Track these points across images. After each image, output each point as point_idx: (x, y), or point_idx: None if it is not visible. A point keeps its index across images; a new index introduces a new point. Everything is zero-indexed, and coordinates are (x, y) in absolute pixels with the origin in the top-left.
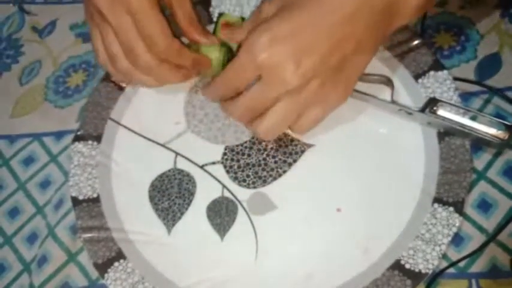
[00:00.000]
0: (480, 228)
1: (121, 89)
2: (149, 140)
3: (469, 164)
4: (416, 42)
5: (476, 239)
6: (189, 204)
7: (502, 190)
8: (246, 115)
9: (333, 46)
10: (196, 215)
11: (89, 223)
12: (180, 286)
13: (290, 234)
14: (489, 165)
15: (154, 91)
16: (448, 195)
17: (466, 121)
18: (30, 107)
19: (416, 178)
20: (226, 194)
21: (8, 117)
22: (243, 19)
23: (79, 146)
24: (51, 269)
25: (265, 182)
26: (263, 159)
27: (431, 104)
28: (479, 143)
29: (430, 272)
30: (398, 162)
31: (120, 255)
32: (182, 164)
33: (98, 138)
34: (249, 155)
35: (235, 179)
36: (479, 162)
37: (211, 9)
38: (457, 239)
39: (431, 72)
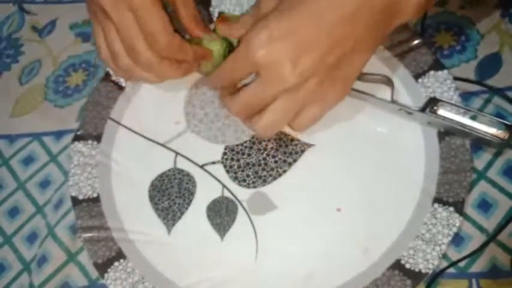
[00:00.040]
0: (480, 228)
1: (121, 88)
2: (149, 139)
3: (469, 164)
4: (416, 41)
5: (477, 239)
6: (189, 204)
7: (502, 190)
8: (245, 111)
9: (332, 45)
10: (196, 214)
11: (88, 223)
12: (180, 286)
13: (290, 234)
14: (489, 165)
15: (155, 90)
16: (448, 195)
17: (466, 121)
18: (30, 106)
19: (416, 178)
20: (226, 193)
21: (7, 117)
22: None
23: (79, 145)
24: (51, 269)
25: (265, 182)
26: (263, 158)
27: (432, 103)
28: (479, 142)
29: (430, 271)
30: (398, 162)
31: (120, 255)
32: (182, 164)
33: (97, 138)
34: (249, 155)
35: (235, 178)
36: (480, 162)
37: (211, 8)
38: (457, 239)
39: (432, 72)
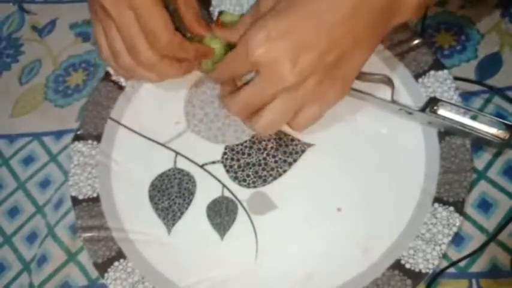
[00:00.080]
0: (480, 228)
1: (121, 88)
2: (149, 139)
3: (469, 164)
4: (416, 41)
5: (477, 239)
6: (189, 204)
7: (502, 190)
8: (244, 110)
9: (331, 44)
10: (196, 214)
11: (88, 223)
12: (180, 286)
13: (290, 234)
14: (489, 164)
15: (155, 90)
16: (448, 195)
17: (466, 121)
18: (30, 106)
19: (416, 178)
20: (226, 193)
21: (7, 117)
22: None
23: (79, 145)
24: (51, 269)
25: (265, 182)
26: (263, 158)
27: (432, 103)
28: (479, 142)
29: (431, 271)
30: (398, 162)
31: (120, 255)
32: (182, 164)
33: (97, 138)
34: (249, 155)
35: (235, 178)
36: (480, 162)
37: (211, 8)
38: (458, 239)
39: (432, 72)
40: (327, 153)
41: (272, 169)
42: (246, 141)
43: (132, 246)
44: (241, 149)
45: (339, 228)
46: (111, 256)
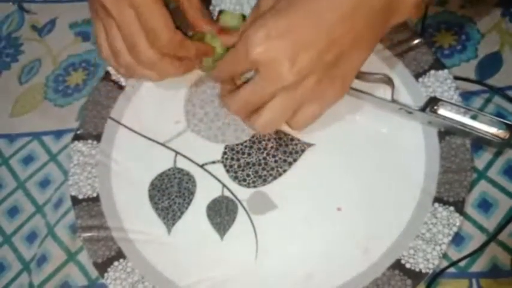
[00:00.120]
0: (481, 228)
1: (121, 88)
2: (149, 139)
3: (469, 164)
4: (416, 41)
5: (477, 239)
6: (189, 204)
7: (502, 189)
8: (243, 109)
9: (330, 43)
10: (196, 214)
11: (88, 222)
12: (180, 285)
13: (290, 234)
14: (490, 164)
15: (155, 90)
16: (448, 195)
17: (466, 120)
18: (29, 105)
19: (416, 177)
20: (226, 193)
21: (7, 116)
22: (243, 16)
23: (79, 145)
24: (51, 269)
25: (265, 181)
26: (263, 158)
27: (432, 103)
28: (479, 142)
29: (431, 271)
30: (398, 162)
31: (119, 255)
32: (182, 163)
33: (97, 137)
34: (249, 154)
35: (235, 178)
36: (480, 162)
37: (211, 7)
38: (458, 239)
39: (432, 72)
40: (327, 152)
41: (272, 169)
42: (246, 141)
43: (132, 246)
44: (241, 149)
45: (339, 228)
46: (111, 256)
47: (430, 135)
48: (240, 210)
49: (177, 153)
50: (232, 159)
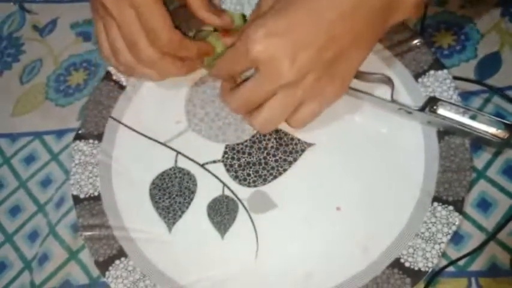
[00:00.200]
0: (480, 227)
1: (122, 87)
2: (150, 138)
3: (468, 163)
4: (416, 41)
5: (476, 238)
6: (189, 203)
7: (501, 189)
8: (244, 107)
9: (330, 41)
10: (196, 213)
11: (90, 221)
12: (181, 284)
13: (290, 233)
14: (489, 164)
15: (156, 89)
16: (447, 194)
17: (466, 120)
18: (31, 105)
19: (416, 177)
20: (227, 192)
21: (9, 116)
22: (244, 16)
23: (80, 144)
24: (52, 267)
25: (265, 181)
26: (263, 157)
27: (431, 103)
28: (479, 142)
29: (430, 270)
30: (398, 161)
31: (121, 253)
32: (183, 163)
33: (98, 137)
34: (249, 154)
35: (235, 177)
36: (479, 161)
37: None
38: (457, 238)
39: (431, 72)
40: (327, 152)
41: (272, 168)
42: (246, 141)
43: (133, 245)
44: (241, 148)
45: (339, 227)
46: (112, 254)
47: (429, 135)
48: (241, 209)
49: (177, 152)
50: (232, 158)
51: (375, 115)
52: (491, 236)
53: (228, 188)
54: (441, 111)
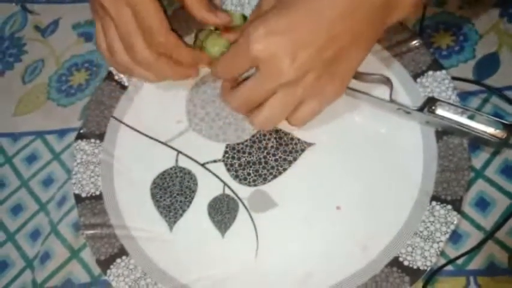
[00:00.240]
0: (478, 226)
1: (123, 87)
2: (151, 138)
3: (467, 163)
4: (415, 42)
5: (474, 237)
6: (190, 202)
7: (500, 189)
8: (244, 106)
9: (330, 40)
10: (197, 212)
11: (91, 220)
12: (182, 282)
13: (290, 232)
14: (487, 163)
15: (157, 89)
16: (446, 194)
17: (464, 120)
18: (33, 105)
19: (414, 176)
20: (227, 191)
21: (10, 116)
22: (244, 16)
23: (82, 144)
24: (54, 266)
25: (265, 180)
26: (263, 157)
27: (430, 103)
28: (477, 141)
29: (428, 268)
30: (397, 161)
31: (122, 252)
32: (184, 162)
33: (100, 137)
34: (249, 153)
35: (236, 176)
36: (478, 161)
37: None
38: (455, 237)
39: (430, 72)
40: (326, 152)
41: (272, 168)
42: (246, 140)
43: (135, 244)
44: (242, 148)
45: (338, 227)
46: (113, 253)
47: (428, 135)
48: (241, 208)
49: (178, 152)
50: (233, 158)
51: (374, 115)
52: (490, 235)
53: (229, 187)
54: (440, 111)
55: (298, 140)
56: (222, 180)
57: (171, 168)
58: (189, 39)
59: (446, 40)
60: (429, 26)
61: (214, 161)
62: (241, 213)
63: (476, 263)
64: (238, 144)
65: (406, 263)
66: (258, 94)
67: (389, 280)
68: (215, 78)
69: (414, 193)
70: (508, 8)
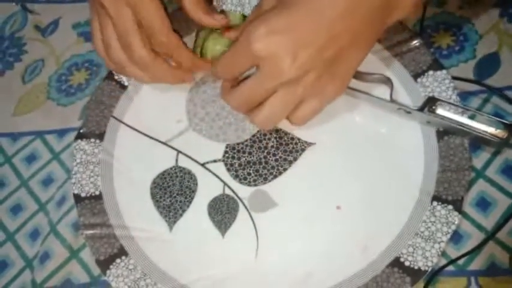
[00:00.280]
0: (479, 227)
1: (123, 87)
2: (151, 138)
3: (468, 163)
4: (415, 41)
5: (475, 237)
6: (190, 202)
7: (500, 189)
8: (244, 105)
9: (330, 39)
10: (197, 212)
11: (91, 220)
12: (181, 283)
13: (290, 232)
14: (488, 163)
15: (157, 89)
16: (447, 194)
17: (465, 120)
18: (32, 105)
19: (415, 176)
20: (227, 191)
21: (10, 115)
22: (244, 16)
23: (81, 143)
24: (53, 266)
25: (265, 180)
26: (264, 157)
27: (430, 103)
28: (478, 141)
29: (429, 269)
30: (397, 161)
31: (122, 252)
32: (184, 162)
33: (100, 136)
34: (249, 153)
35: (236, 176)
36: (478, 161)
37: None
38: (456, 237)
39: (430, 72)
40: (327, 152)
41: (273, 167)
42: (247, 140)
43: (134, 244)
44: (242, 148)
45: (339, 226)
46: (113, 253)
47: (428, 134)
48: (241, 208)
49: (178, 152)
50: (233, 158)
51: (375, 115)
52: (491, 235)
53: (229, 187)
54: (440, 111)
55: (299, 139)
56: (222, 180)
57: (171, 168)
58: (189, 39)
59: (447, 40)
60: (429, 26)
61: (214, 161)
62: (242, 213)
63: (477, 264)
64: (238, 144)
65: (407, 263)
66: (259, 93)
67: (390, 280)
68: (215, 78)
69: (415, 193)
70: (508, 8)
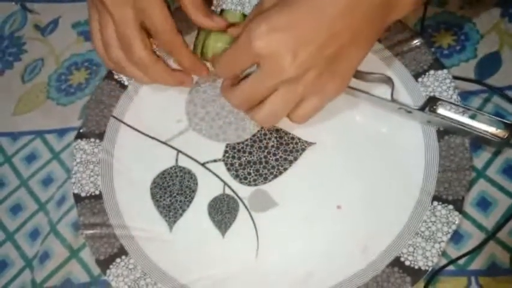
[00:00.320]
0: (479, 226)
1: (123, 87)
2: (151, 137)
3: (468, 162)
4: (416, 41)
5: (476, 237)
6: (190, 202)
7: (501, 188)
8: (245, 103)
9: (331, 37)
10: (197, 212)
11: (91, 220)
12: (181, 282)
13: (290, 232)
14: (488, 163)
15: (157, 89)
16: (447, 193)
17: (465, 119)
18: (32, 104)
19: (416, 176)
20: (228, 191)
21: (10, 115)
22: (244, 15)
23: (81, 143)
24: (53, 266)
25: (266, 180)
26: (264, 156)
27: (431, 102)
28: (478, 141)
29: (430, 269)
30: (398, 161)
31: (122, 252)
32: (184, 162)
33: (100, 136)
34: (250, 153)
35: (236, 176)
36: (479, 161)
37: (213, 7)
38: (457, 237)
39: (431, 71)
40: (327, 151)
41: (273, 167)
42: (247, 140)
43: (134, 243)
44: (242, 148)
45: (339, 226)
46: (113, 253)
47: (429, 134)
48: (241, 208)
49: (178, 151)
50: (233, 157)
51: (375, 114)
52: (491, 235)
53: (229, 186)
54: (441, 110)
55: (299, 139)
56: (222, 180)
57: (171, 168)
58: (190, 38)
59: (448, 39)
60: (430, 26)
61: (215, 161)
62: (242, 212)
63: (477, 263)
64: (238, 143)
65: (407, 263)
66: (259, 91)
67: (391, 280)
68: (215, 77)
69: (415, 193)
70: (509, 8)
